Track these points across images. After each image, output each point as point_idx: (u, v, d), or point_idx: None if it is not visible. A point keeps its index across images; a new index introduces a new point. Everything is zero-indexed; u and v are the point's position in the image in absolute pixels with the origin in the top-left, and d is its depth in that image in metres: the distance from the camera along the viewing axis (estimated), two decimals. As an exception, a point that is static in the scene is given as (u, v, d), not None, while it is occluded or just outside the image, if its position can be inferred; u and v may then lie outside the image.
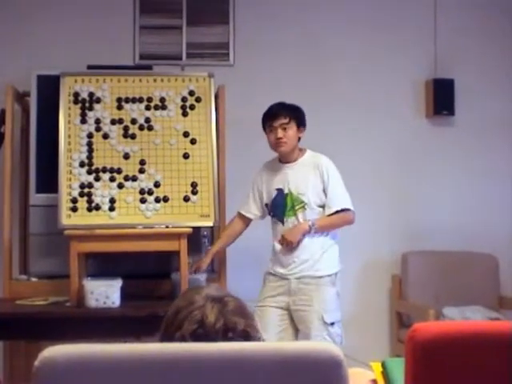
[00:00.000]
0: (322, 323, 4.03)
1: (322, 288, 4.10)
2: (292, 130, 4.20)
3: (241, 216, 4.43)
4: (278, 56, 5.53)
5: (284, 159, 4.29)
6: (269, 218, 4.34)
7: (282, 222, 4.21)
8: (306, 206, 4.15)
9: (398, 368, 1.97)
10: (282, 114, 4.20)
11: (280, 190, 4.22)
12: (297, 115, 4.24)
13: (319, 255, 4.15)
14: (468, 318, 4.89)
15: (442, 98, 5.61)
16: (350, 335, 5.42)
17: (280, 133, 4.18)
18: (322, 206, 4.17)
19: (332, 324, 4.05)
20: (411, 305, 5.25)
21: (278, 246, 4.18)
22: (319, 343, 1.53)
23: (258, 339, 1.72)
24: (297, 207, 4.17)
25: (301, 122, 4.25)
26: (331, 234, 4.22)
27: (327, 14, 5.60)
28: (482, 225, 5.62)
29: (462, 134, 5.69)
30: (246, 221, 4.44)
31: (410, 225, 5.60)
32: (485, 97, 5.72)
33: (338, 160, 5.44)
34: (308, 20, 5.57)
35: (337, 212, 4.15)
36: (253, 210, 4.39)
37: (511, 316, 5.22)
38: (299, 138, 4.27)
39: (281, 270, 4.19)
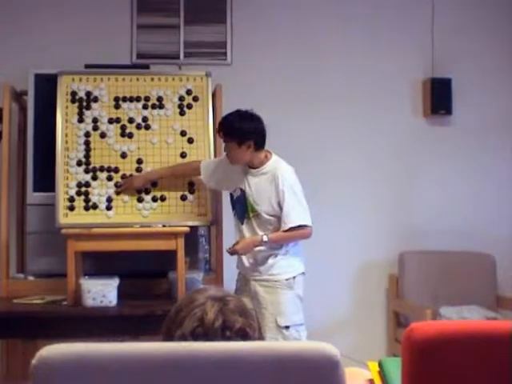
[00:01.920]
0: (275, 326, 4.00)
1: (277, 291, 4.06)
2: (231, 147, 4.07)
3: (197, 165, 4.36)
4: (276, 55, 5.52)
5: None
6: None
7: (242, 222, 4.17)
8: (259, 216, 4.10)
9: (395, 367, 1.97)
10: (220, 131, 4.12)
11: (243, 191, 4.16)
12: (232, 135, 4.06)
13: (273, 261, 4.10)
14: (465, 318, 4.89)
15: (439, 98, 5.61)
16: (346, 335, 5.45)
17: (224, 147, 4.15)
18: (276, 216, 4.09)
19: (287, 327, 4.01)
20: (408, 304, 5.25)
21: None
22: (317, 343, 1.53)
23: (258, 339, 1.72)
24: (252, 214, 4.12)
25: (241, 140, 4.04)
26: (285, 245, 4.16)
27: (324, 13, 5.59)
28: (480, 224, 5.62)
29: (460, 134, 5.68)
30: (197, 172, 4.36)
31: (407, 224, 5.60)
32: (482, 96, 5.71)
33: (336, 159, 5.48)
34: (305, 19, 5.56)
35: (292, 228, 4.05)
36: (207, 172, 4.31)
37: (509, 315, 5.22)
38: (257, 149, 4.09)
39: (243, 272, 4.21)
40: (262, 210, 4.09)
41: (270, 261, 4.10)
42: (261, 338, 4.06)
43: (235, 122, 4.07)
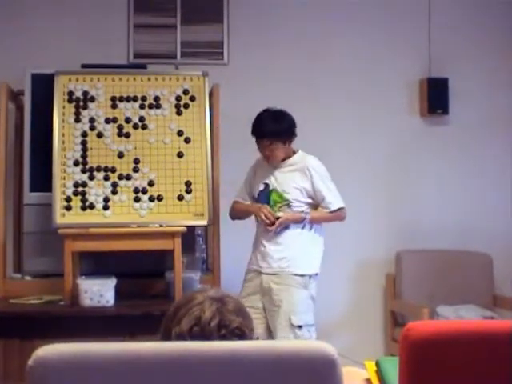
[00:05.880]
0: (289, 325, 4.01)
1: (292, 289, 4.09)
2: (277, 148, 4.23)
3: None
4: (273, 55, 5.52)
5: None
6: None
7: None
8: (290, 204, 4.20)
9: (392, 367, 1.97)
10: (265, 137, 4.21)
11: (266, 185, 4.28)
12: (278, 136, 4.22)
13: (302, 252, 4.16)
14: (462, 317, 4.90)
15: (436, 97, 5.61)
16: (344, 334, 5.45)
17: (267, 151, 4.24)
18: (308, 204, 4.22)
19: (300, 327, 4.02)
20: (405, 304, 5.26)
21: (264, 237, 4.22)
22: (314, 342, 1.53)
23: (256, 339, 1.72)
24: (280, 204, 4.21)
25: (286, 138, 4.25)
26: (318, 230, 4.26)
27: (322, 13, 5.60)
28: (477, 223, 5.62)
29: (457, 133, 5.69)
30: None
31: (404, 224, 5.60)
32: (479, 95, 5.72)
33: (333, 158, 5.46)
34: (302, 19, 5.56)
35: (333, 211, 4.24)
36: (247, 199, 4.43)
37: (506, 315, 5.23)
38: (291, 143, 4.31)
39: (257, 263, 4.22)
40: (292, 197, 4.20)
41: (298, 253, 4.14)
42: (274, 337, 4.06)
43: (280, 123, 4.23)
